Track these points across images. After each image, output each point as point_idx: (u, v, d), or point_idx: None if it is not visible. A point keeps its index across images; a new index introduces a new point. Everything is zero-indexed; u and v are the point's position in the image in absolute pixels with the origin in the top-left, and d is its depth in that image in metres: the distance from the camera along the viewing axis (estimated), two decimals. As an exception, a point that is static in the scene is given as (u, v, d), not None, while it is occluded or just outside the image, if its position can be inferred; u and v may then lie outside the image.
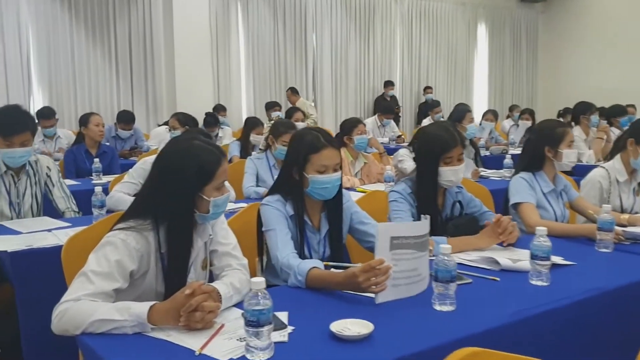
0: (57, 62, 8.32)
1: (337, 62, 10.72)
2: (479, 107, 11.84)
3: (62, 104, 8.34)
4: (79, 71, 8.51)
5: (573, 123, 5.55)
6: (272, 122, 4.01)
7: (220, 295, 1.65)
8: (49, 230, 2.83)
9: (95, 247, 1.74)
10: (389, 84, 10.77)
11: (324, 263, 1.92)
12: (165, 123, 5.40)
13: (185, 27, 8.64)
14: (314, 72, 10.54)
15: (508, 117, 9.82)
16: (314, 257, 2.23)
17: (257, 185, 3.87)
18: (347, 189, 3.98)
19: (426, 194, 2.47)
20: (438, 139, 2.43)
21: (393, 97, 10.78)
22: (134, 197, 3.32)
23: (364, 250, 2.38)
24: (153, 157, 3.67)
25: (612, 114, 6.18)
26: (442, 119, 7.92)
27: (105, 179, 4.39)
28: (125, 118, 6.35)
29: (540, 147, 2.85)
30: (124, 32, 8.81)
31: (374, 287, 1.69)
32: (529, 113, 7.72)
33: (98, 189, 3.03)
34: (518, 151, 5.31)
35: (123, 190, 3.34)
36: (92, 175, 4.47)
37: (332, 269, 1.87)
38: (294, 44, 10.19)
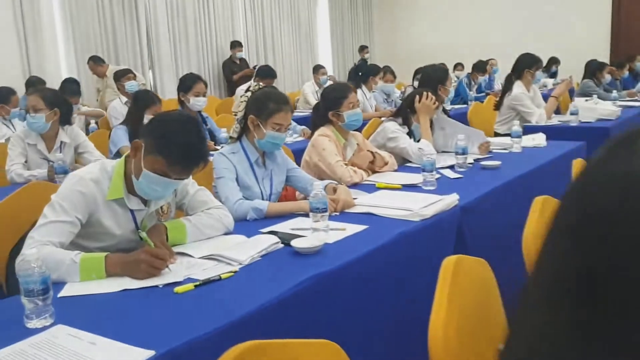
0: None
1: (174, 19, 9.02)
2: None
3: None
4: None
5: (514, 77, 4.93)
6: (248, 93, 2.63)
7: None
8: None
9: None
10: (236, 44, 9.38)
11: None
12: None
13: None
14: (147, 28, 8.69)
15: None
16: None
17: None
18: (355, 185, 2.88)
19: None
20: None
21: (242, 60, 9.45)
22: (77, 252, 1.76)
23: None
24: (90, 170, 2.09)
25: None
26: (329, 82, 6.87)
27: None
28: None
29: None
30: None
31: None
32: (390, 72, 6.99)
33: (32, 254, 1.43)
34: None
35: (51, 239, 1.75)
36: None
37: None
38: (121, -3, 8.24)
